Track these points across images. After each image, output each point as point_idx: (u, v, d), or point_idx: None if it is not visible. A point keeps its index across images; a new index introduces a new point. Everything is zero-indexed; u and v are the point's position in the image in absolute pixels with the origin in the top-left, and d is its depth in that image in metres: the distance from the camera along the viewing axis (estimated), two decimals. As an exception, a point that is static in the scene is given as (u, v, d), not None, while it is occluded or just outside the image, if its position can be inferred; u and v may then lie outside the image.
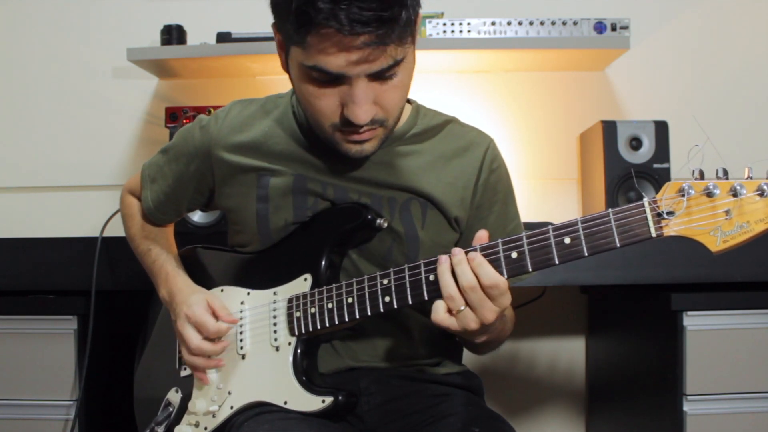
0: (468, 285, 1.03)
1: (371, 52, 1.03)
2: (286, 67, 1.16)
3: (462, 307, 1.04)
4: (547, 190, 2.24)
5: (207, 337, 1.23)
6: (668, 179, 1.90)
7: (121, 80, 2.28)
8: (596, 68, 2.23)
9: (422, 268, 1.09)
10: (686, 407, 1.59)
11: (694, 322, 1.59)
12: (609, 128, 1.92)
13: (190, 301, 1.24)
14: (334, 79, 1.07)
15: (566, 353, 2.25)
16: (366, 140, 1.14)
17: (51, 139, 2.29)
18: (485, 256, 1.05)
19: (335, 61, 1.04)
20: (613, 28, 1.98)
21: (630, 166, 1.90)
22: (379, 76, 1.08)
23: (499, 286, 1.04)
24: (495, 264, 1.04)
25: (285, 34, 1.09)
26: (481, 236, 1.08)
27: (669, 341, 1.62)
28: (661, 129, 1.92)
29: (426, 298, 1.09)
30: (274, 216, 1.25)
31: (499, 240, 1.05)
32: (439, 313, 1.06)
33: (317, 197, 1.24)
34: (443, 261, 1.06)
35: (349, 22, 0.98)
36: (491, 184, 1.28)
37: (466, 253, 1.05)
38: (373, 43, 1.01)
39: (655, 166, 1.90)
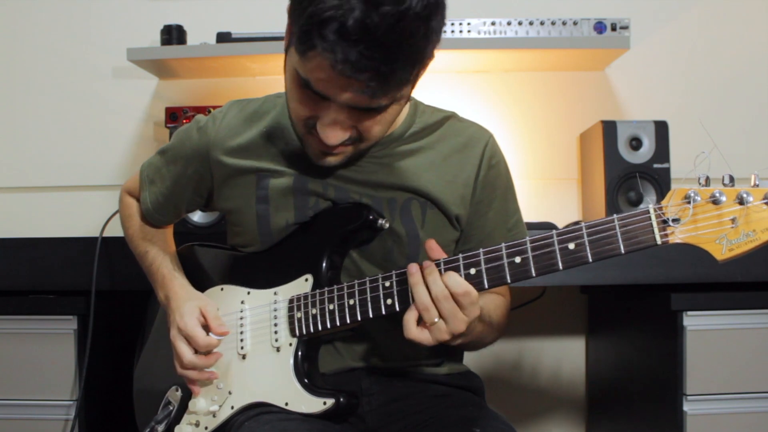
0: (441, 294, 1.04)
1: (358, 97, 1.02)
2: (286, 50, 1.14)
3: (436, 319, 1.05)
4: (547, 190, 2.24)
5: (198, 350, 1.23)
6: (668, 179, 1.90)
7: (121, 80, 2.28)
8: (596, 68, 2.23)
9: (424, 271, 1.08)
10: (686, 407, 1.59)
11: (694, 322, 1.59)
12: (609, 128, 1.92)
13: (183, 311, 1.23)
14: (318, 96, 1.06)
15: (566, 353, 2.25)
16: (332, 154, 1.15)
17: (51, 139, 2.28)
18: (488, 261, 1.05)
19: (323, 88, 1.03)
20: (613, 28, 1.98)
21: (630, 166, 1.90)
22: (363, 110, 1.07)
23: (470, 294, 1.04)
24: (498, 269, 1.04)
25: (292, 30, 1.08)
26: (432, 246, 1.09)
27: (669, 341, 1.62)
28: (661, 129, 1.92)
29: None
30: (274, 216, 1.25)
31: (503, 245, 1.05)
32: (412, 329, 1.06)
33: (318, 197, 1.24)
34: (414, 272, 1.06)
35: (343, 63, 0.96)
36: (490, 180, 1.28)
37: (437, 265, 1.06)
38: (361, 92, 1.01)
39: (655, 166, 1.90)
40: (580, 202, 2.18)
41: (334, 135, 1.09)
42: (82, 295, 1.70)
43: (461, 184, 1.25)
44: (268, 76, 2.24)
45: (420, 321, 1.07)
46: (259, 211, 1.25)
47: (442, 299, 1.04)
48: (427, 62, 1.07)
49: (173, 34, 2.06)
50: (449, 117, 1.31)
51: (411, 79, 1.06)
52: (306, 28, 0.98)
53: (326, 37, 0.96)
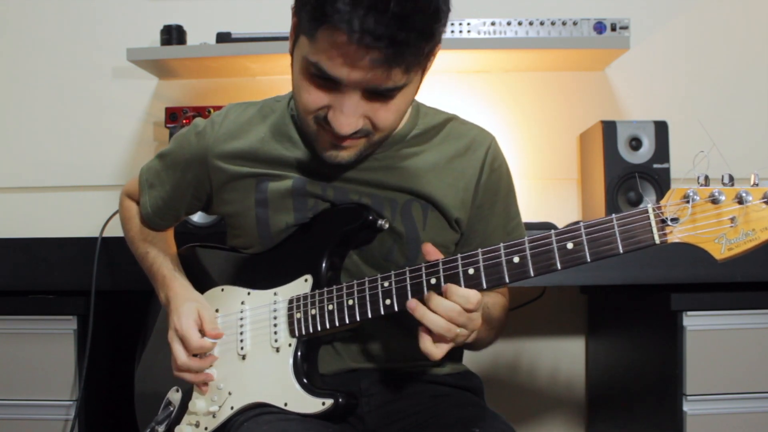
0: (455, 312, 1.04)
1: (374, 70, 1.01)
2: (292, 51, 1.14)
3: (458, 330, 1.05)
4: (547, 190, 2.24)
5: (191, 352, 1.23)
6: (668, 179, 1.90)
7: (121, 80, 2.28)
8: (596, 68, 2.23)
9: (423, 271, 1.09)
10: (686, 407, 1.59)
11: (694, 322, 1.60)
12: (609, 128, 1.92)
13: (181, 312, 1.24)
14: (330, 82, 1.06)
15: (566, 353, 2.25)
16: (343, 147, 1.13)
17: (51, 139, 2.29)
18: (487, 260, 1.05)
19: (336, 67, 1.02)
20: (613, 28, 1.98)
21: (630, 166, 1.90)
22: (376, 93, 1.07)
23: (479, 302, 1.05)
24: (497, 269, 1.04)
25: (299, 21, 1.07)
26: (428, 250, 1.09)
27: (669, 341, 1.62)
28: (661, 129, 1.92)
29: None
30: (274, 219, 1.25)
31: (501, 244, 1.05)
32: (428, 346, 1.06)
33: (317, 199, 1.24)
34: (415, 307, 1.05)
35: (361, 32, 0.96)
36: (492, 184, 1.28)
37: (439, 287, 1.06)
38: (379, 62, 1.00)
39: (655, 166, 1.91)
40: (580, 202, 2.18)
41: (347, 123, 1.07)
42: (82, 295, 1.70)
43: (462, 187, 1.25)
44: (268, 76, 2.24)
45: (436, 337, 1.06)
46: (259, 215, 1.25)
47: (456, 316, 1.04)
48: (435, 47, 1.07)
49: (173, 34, 2.06)
50: (451, 119, 1.31)
51: (422, 59, 1.05)
52: (318, 4, 0.98)
53: (339, 9, 0.96)
